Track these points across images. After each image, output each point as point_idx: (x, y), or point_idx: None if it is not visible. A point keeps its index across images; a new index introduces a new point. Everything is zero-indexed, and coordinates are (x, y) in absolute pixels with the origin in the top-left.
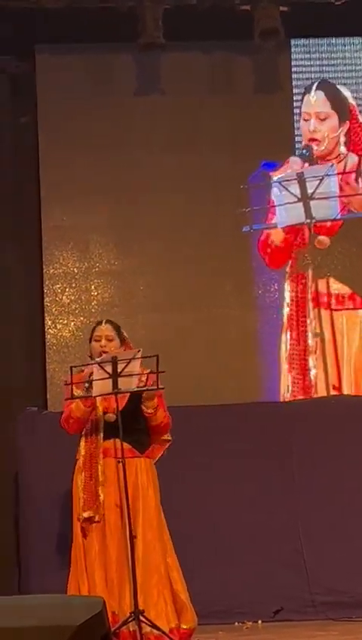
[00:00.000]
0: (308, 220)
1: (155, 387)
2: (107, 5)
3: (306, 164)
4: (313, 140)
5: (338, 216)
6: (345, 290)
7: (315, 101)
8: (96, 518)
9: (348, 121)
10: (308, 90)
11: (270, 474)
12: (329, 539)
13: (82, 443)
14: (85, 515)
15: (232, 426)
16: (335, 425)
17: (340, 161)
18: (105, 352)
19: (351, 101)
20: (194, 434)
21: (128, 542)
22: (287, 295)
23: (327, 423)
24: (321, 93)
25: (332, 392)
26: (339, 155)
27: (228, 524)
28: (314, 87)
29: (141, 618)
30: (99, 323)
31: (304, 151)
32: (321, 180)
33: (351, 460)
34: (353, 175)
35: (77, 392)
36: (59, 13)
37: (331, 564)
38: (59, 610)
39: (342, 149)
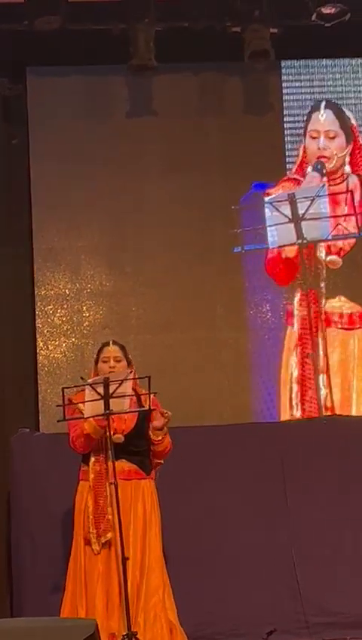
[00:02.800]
0: (300, 241)
1: (146, 408)
2: (99, 28)
3: (324, 179)
4: (322, 157)
5: (329, 237)
6: (357, 309)
7: (325, 119)
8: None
9: (352, 142)
10: (315, 108)
11: (262, 495)
12: (322, 559)
13: (90, 464)
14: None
15: (224, 447)
16: (328, 445)
17: (343, 181)
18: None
19: (353, 122)
20: (185, 455)
21: (121, 563)
22: (296, 315)
23: (320, 443)
24: (330, 112)
25: (326, 413)
26: (344, 174)
27: (221, 545)
28: (322, 105)
29: None
30: (106, 344)
31: (318, 166)
32: (312, 200)
33: (344, 480)
34: (357, 195)
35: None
36: (52, 36)
37: (324, 584)
38: (52, 632)
39: (347, 168)
